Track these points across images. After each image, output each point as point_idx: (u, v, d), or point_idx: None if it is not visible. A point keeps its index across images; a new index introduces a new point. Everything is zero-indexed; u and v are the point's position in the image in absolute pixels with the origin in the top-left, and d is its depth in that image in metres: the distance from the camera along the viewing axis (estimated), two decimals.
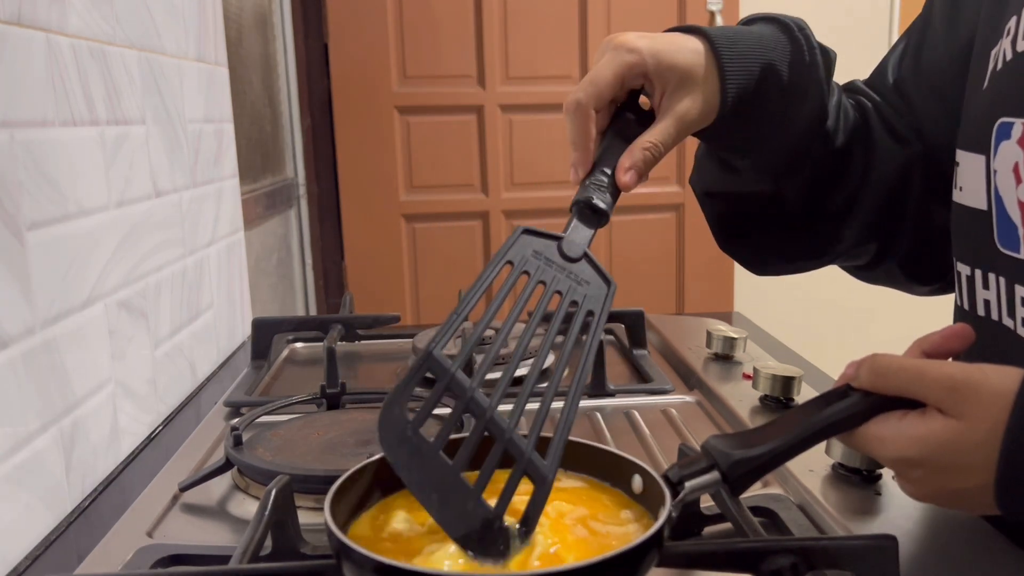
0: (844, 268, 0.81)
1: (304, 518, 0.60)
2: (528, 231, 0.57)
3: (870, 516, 0.64)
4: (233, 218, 1.30)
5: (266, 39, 1.92)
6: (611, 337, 1.18)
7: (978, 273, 0.59)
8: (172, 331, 1.00)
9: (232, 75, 1.38)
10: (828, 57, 0.68)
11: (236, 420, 0.79)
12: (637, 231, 2.42)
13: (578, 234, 0.59)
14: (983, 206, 0.58)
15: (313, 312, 2.22)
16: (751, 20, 0.69)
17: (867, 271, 0.79)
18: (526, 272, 0.56)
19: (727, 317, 1.29)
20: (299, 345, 1.20)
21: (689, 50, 0.62)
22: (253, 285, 1.53)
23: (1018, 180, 0.54)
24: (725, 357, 1.03)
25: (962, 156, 0.60)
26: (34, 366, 0.69)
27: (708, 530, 0.63)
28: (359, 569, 0.47)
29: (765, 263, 0.79)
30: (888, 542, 0.51)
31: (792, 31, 0.66)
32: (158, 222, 0.98)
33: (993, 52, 0.59)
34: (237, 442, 0.73)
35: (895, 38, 2.47)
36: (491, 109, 2.30)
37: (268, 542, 0.56)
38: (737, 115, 0.64)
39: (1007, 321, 0.56)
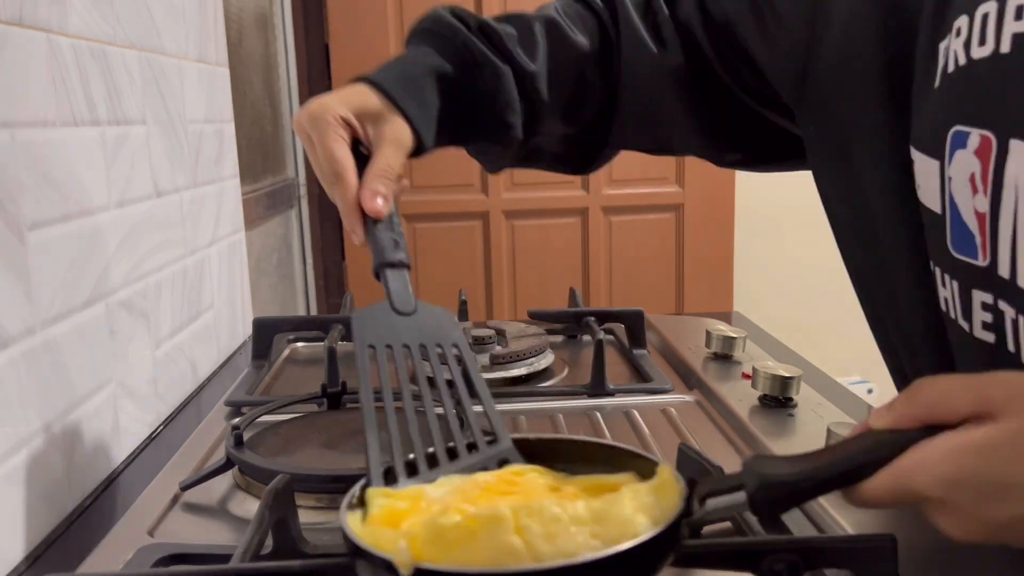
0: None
1: (305, 517, 0.60)
2: (359, 312, 0.61)
3: (870, 516, 0.64)
4: (234, 218, 1.30)
5: (267, 39, 1.92)
6: (611, 337, 1.18)
7: (937, 271, 0.59)
8: (173, 331, 1.01)
9: (233, 75, 1.38)
10: (495, 35, 0.74)
11: (237, 420, 0.80)
12: (637, 231, 2.42)
13: (399, 290, 0.63)
14: (938, 209, 0.57)
15: (314, 312, 2.22)
16: (413, 33, 0.76)
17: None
18: (389, 346, 0.60)
19: (727, 317, 1.29)
20: (300, 345, 1.21)
21: (371, 94, 0.69)
22: (254, 285, 1.53)
23: (975, 190, 0.53)
24: (724, 357, 1.03)
25: (916, 156, 0.59)
26: (35, 366, 0.69)
27: (708, 529, 0.63)
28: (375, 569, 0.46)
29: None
30: (887, 541, 0.51)
31: (446, 39, 0.73)
32: (159, 222, 0.98)
33: (942, 47, 0.57)
34: (238, 441, 0.74)
35: None
36: None
37: (269, 541, 0.57)
38: (440, 134, 0.72)
39: (962, 323, 0.56)
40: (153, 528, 0.67)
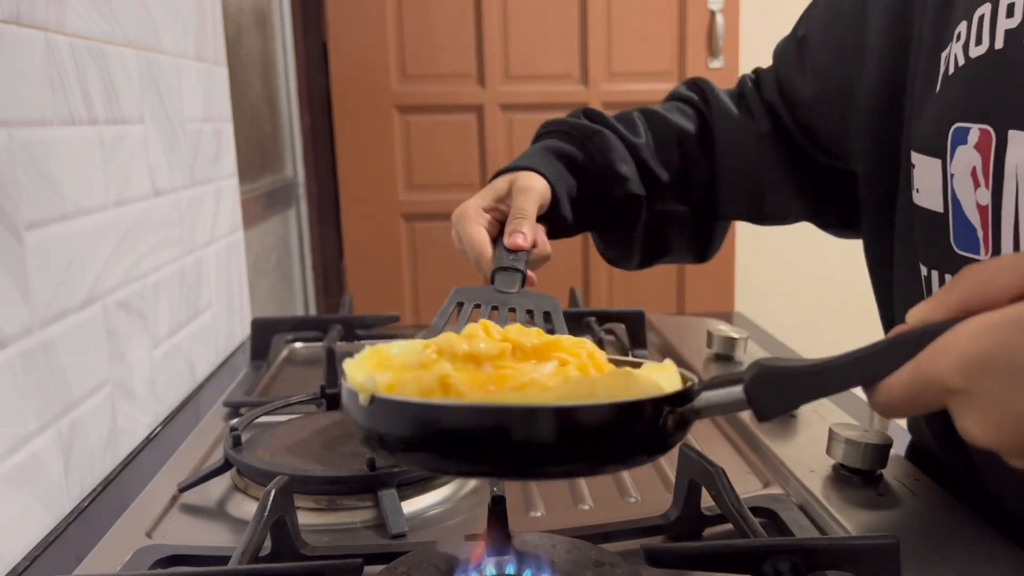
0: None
1: (303, 519, 0.60)
2: (461, 289, 0.64)
3: (871, 517, 0.64)
4: (232, 218, 1.30)
5: (265, 38, 1.91)
6: (611, 337, 1.18)
7: (935, 274, 0.60)
8: (171, 331, 1.00)
9: (231, 74, 1.37)
10: (598, 115, 0.84)
11: (235, 420, 0.79)
12: None
13: (505, 281, 0.67)
14: (940, 208, 0.58)
15: (312, 312, 2.22)
16: (536, 137, 0.87)
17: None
18: (477, 305, 0.61)
19: (728, 317, 1.29)
20: (298, 345, 1.20)
21: (500, 179, 0.79)
22: (252, 285, 1.53)
23: (976, 184, 0.54)
24: (726, 357, 1.03)
25: (917, 159, 0.61)
26: (32, 366, 0.69)
27: (708, 531, 0.63)
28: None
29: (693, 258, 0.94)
30: (889, 543, 0.51)
31: (559, 129, 0.84)
32: (157, 222, 0.98)
33: (943, 55, 0.59)
34: (236, 442, 0.73)
35: None
36: (491, 108, 2.30)
37: (267, 542, 0.56)
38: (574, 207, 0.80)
39: None
40: (151, 529, 0.67)
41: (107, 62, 0.86)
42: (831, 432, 0.70)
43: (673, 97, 0.90)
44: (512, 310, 0.64)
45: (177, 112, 1.06)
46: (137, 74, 0.94)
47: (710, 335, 1.04)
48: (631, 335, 1.11)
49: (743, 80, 0.89)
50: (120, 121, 0.89)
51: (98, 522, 0.70)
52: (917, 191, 0.61)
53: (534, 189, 0.76)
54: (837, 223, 0.87)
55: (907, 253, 0.65)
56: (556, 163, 0.80)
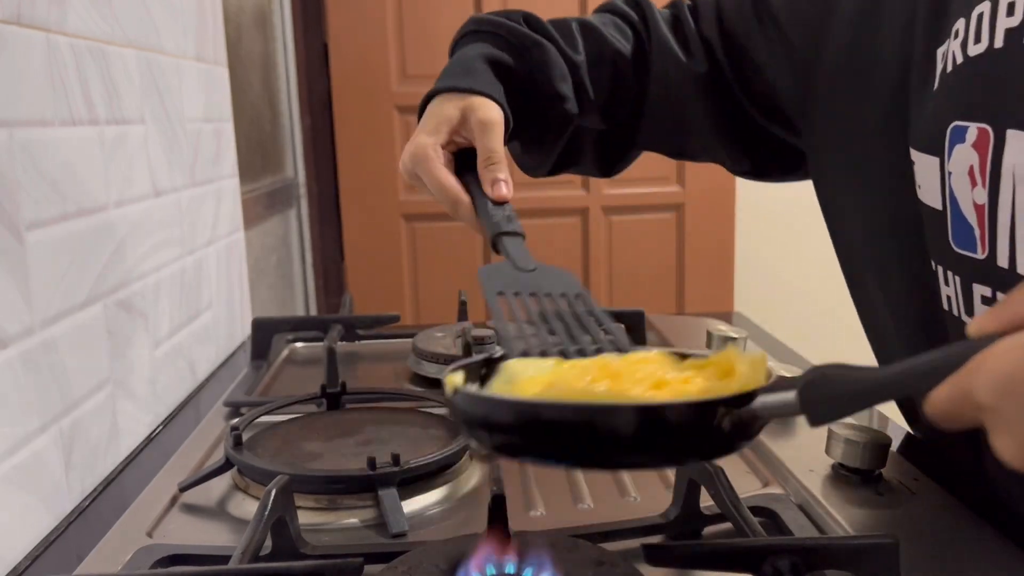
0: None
1: (304, 518, 0.60)
2: (486, 268, 0.62)
3: (870, 516, 0.64)
4: (233, 218, 1.30)
5: (266, 38, 1.91)
6: (611, 337, 1.18)
7: (940, 269, 0.60)
8: (171, 331, 1.00)
9: (231, 74, 1.37)
10: (538, 24, 0.78)
11: (236, 420, 0.79)
12: (637, 231, 2.42)
13: (518, 253, 0.65)
14: (939, 206, 0.59)
15: (313, 312, 2.22)
16: (460, 36, 0.81)
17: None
18: (517, 293, 0.60)
19: (727, 317, 1.29)
20: (299, 345, 1.20)
21: (444, 104, 0.73)
22: (253, 285, 1.53)
23: (973, 183, 0.54)
24: None
25: (917, 156, 0.61)
26: (33, 366, 0.69)
27: (708, 530, 0.63)
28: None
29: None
30: (889, 542, 0.51)
31: (491, 32, 0.77)
32: (157, 222, 0.98)
33: (940, 51, 0.59)
34: (237, 442, 0.73)
35: None
36: None
37: (268, 542, 0.56)
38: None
39: (965, 318, 0.57)
40: (152, 529, 0.67)
41: (108, 62, 0.86)
42: (830, 432, 0.70)
43: (610, 8, 0.86)
44: (548, 294, 0.62)
45: (178, 112, 1.07)
46: (138, 74, 0.94)
47: (709, 335, 1.04)
48: (631, 335, 1.11)
49: (678, 4, 0.85)
50: (121, 121, 0.89)
51: (99, 522, 0.70)
52: (920, 187, 0.61)
53: (496, 124, 0.70)
54: (751, 172, 0.87)
55: (908, 245, 0.66)
56: (497, 81, 0.74)
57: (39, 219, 0.71)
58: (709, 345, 1.04)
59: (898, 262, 0.68)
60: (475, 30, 0.79)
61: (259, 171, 1.78)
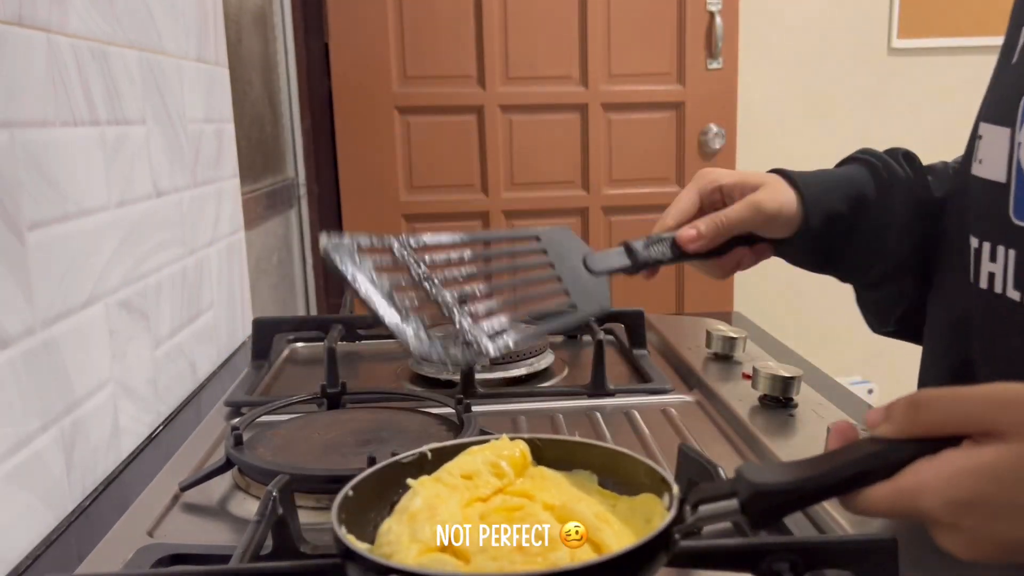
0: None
1: (304, 518, 0.60)
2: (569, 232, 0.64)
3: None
4: (233, 218, 1.30)
5: (266, 39, 1.92)
6: (611, 337, 1.18)
7: (986, 246, 0.60)
8: (172, 331, 1.00)
9: (232, 75, 1.38)
10: (899, 180, 0.74)
11: (236, 420, 0.79)
12: (637, 231, 2.42)
13: (607, 257, 0.66)
14: (1002, 179, 0.59)
15: (313, 312, 2.22)
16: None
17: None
18: (544, 251, 0.59)
19: (727, 317, 1.29)
20: (299, 345, 1.20)
21: (766, 175, 0.74)
22: (253, 285, 1.53)
23: None
24: (725, 357, 1.03)
25: (985, 129, 0.61)
26: (34, 366, 0.69)
27: (708, 529, 0.63)
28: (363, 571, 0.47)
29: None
30: (888, 542, 0.51)
31: (871, 162, 0.75)
32: (158, 222, 0.98)
33: None
34: (237, 442, 0.73)
35: (894, 38, 2.47)
36: (491, 109, 2.30)
37: (268, 541, 0.57)
38: (810, 229, 0.73)
39: (1012, 293, 0.57)
40: (153, 528, 0.67)
41: (109, 63, 0.86)
42: (829, 431, 0.70)
43: (919, 165, 0.80)
44: (558, 278, 0.61)
45: (179, 113, 1.07)
46: (139, 75, 0.94)
47: (709, 335, 1.05)
48: (630, 335, 1.11)
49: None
50: (122, 122, 0.89)
51: (100, 521, 0.71)
52: (980, 162, 0.62)
53: (761, 209, 0.71)
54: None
55: (953, 225, 0.66)
56: (841, 208, 0.73)
57: (40, 219, 0.71)
58: (709, 345, 1.04)
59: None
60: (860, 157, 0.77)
61: (260, 171, 1.78)
